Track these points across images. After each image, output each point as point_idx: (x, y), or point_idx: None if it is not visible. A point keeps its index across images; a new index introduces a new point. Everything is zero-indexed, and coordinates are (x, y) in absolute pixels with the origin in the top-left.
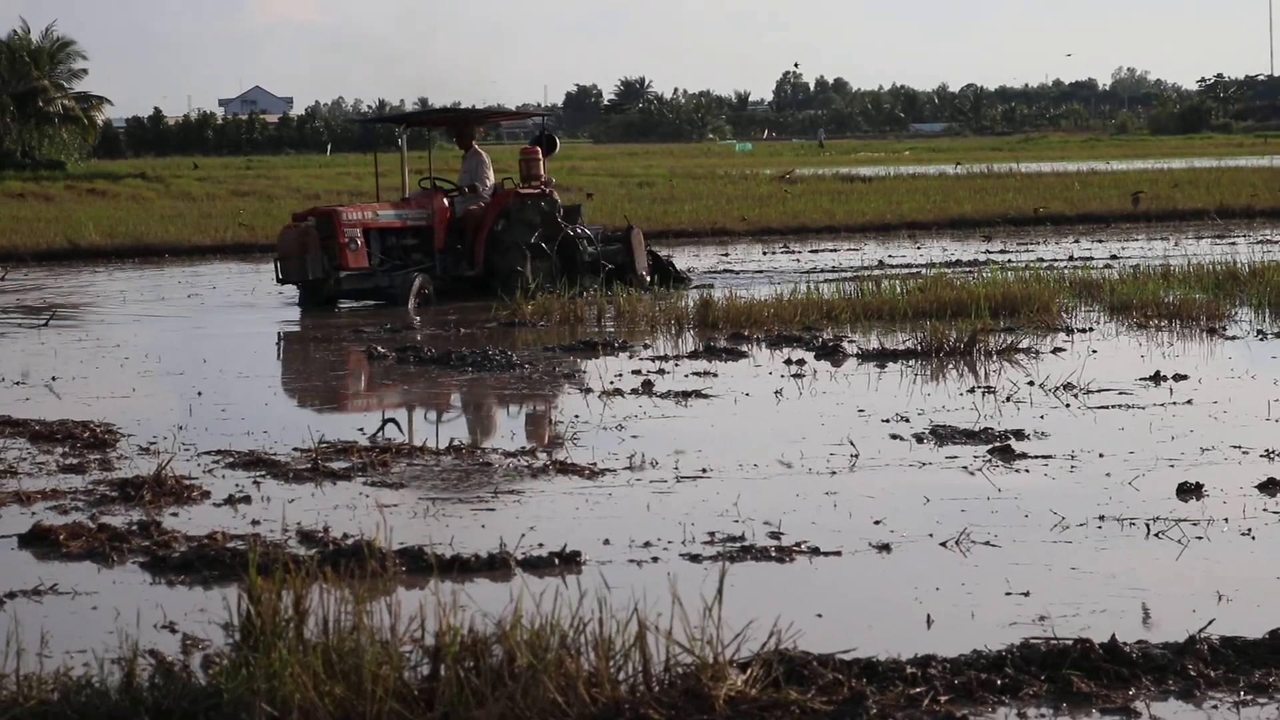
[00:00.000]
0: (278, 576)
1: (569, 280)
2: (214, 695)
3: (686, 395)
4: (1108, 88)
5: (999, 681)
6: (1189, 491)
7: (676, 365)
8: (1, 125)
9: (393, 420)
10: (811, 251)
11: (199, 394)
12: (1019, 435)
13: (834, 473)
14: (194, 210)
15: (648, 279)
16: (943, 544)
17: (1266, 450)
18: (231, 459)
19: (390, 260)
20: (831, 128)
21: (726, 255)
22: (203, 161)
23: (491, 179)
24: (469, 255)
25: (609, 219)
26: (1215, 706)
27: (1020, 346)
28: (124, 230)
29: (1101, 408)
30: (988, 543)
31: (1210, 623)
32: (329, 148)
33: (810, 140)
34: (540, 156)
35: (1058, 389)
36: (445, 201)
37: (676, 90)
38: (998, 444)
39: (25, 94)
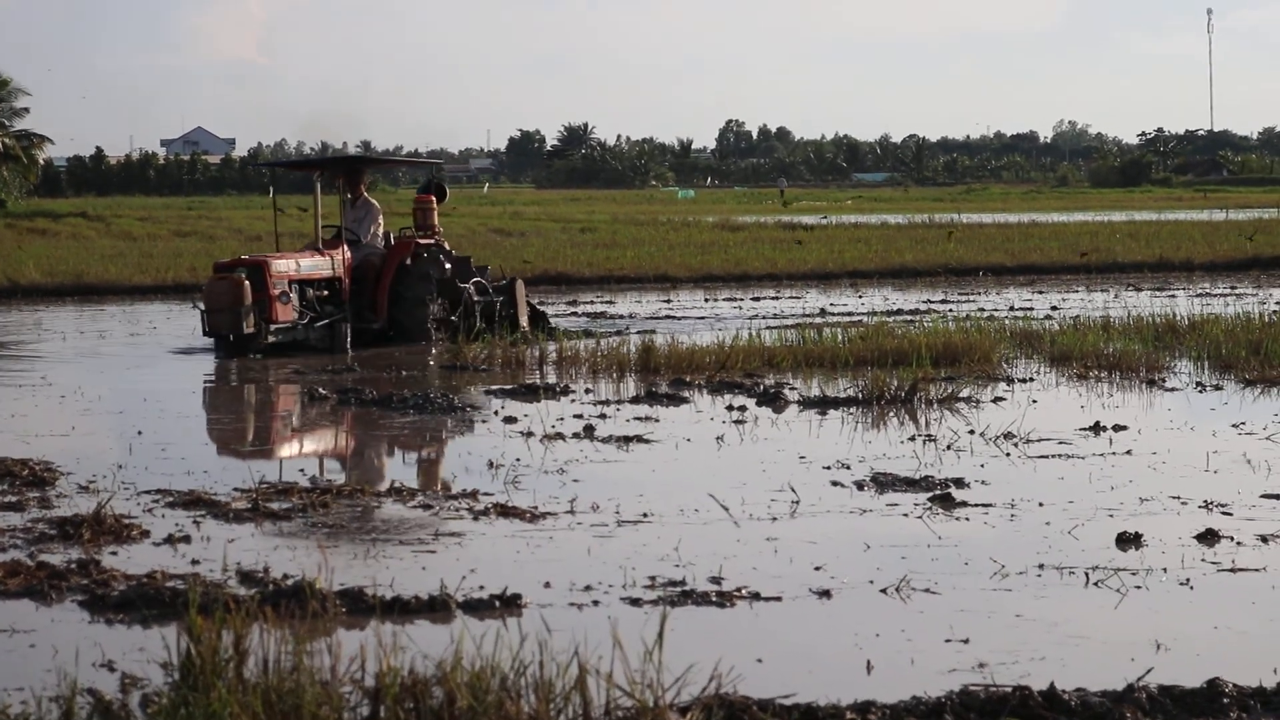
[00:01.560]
0: (218, 616)
1: (465, 329)
2: None
3: (628, 440)
4: (1049, 140)
5: None
6: (1128, 541)
7: (618, 410)
8: None
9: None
10: (754, 299)
11: (139, 433)
12: (959, 483)
13: (775, 519)
14: (135, 250)
15: (527, 328)
16: (883, 590)
17: (1205, 501)
18: (171, 498)
19: (307, 312)
20: (773, 176)
21: (669, 301)
22: (144, 202)
23: (381, 227)
24: (371, 306)
25: (551, 264)
26: None
27: (961, 395)
28: (64, 269)
29: (1041, 457)
30: (928, 590)
31: (1148, 671)
32: (271, 190)
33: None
34: (435, 205)
35: (998, 438)
36: (347, 251)
37: (620, 136)
38: (938, 492)
39: None
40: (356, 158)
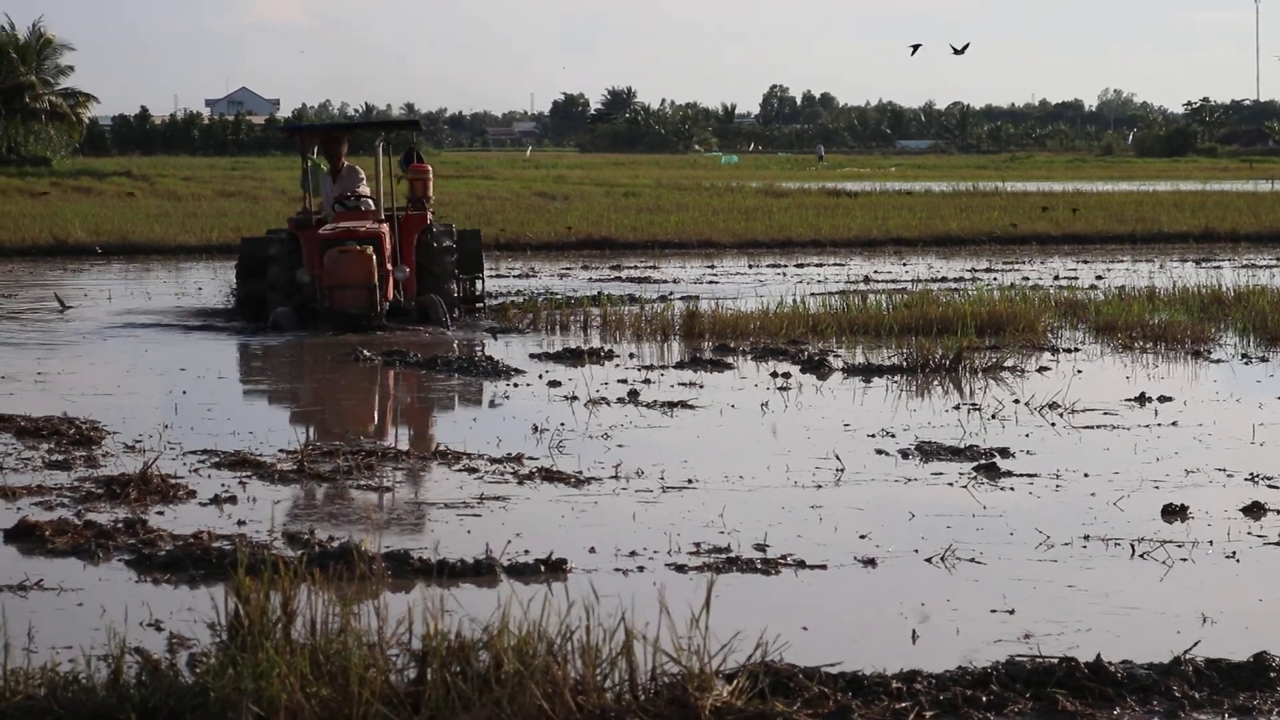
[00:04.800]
0: (266, 577)
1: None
2: (201, 694)
3: (672, 405)
4: (1094, 109)
5: (984, 698)
6: (1174, 513)
7: (662, 375)
8: None
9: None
10: (797, 265)
11: (184, 393)
12: (1004, 453)
13: (819, 486)
14: (179, 209)
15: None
16: (928, 560)
17: (1251, 474)
18: (217, 459)
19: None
20: (815, 143)
21: (712, 267)
22: (189, 161)
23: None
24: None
25: (595, 228)
26: None
27: (1006, 365)
28: (110, 228)
29: (1086, 428)
30: (973, 560)
31: (1195, 644)
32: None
33: (805, 154)
34: (431, 176)
35: (1043, 408)
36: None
37: (663, 101)
38: (983, 461)
39: (11, 90)
40: (352, 123)
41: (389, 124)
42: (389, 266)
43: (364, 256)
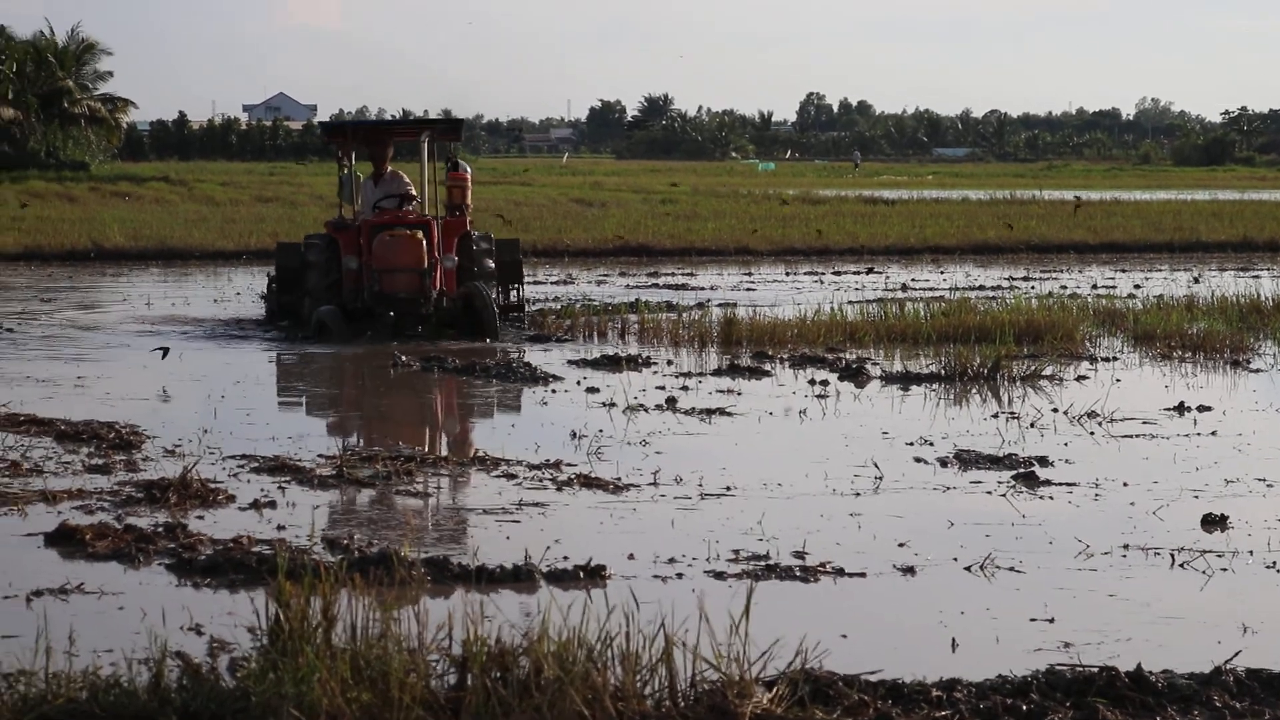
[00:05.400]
0: (306, 582)
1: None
2: (242, 698)
3: (710, 412)
4: (1131, 118)
5: (1024, 707)
6: (1214, 523)
7: (700, 382)
8: (26, 125)
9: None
10: (835, 273)
11: (222, 397)
12: (1043, 462)
13: (858, 494)
14: (217, 214)
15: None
16: (967, 568)
17: None
18: (256, 464)
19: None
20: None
21: (750, 275)
22: (226, 167)
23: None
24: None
25: (632, 235)
26: None
27: (1044, 373)
28: (148, 233)
29: (1125, 437)
30: (1012, 568)
31: (1236, 654)
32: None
33: (842, 162)
34: (469, 183)
35: (1082, 417)
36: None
37: (700, 108)
38: (1022, 470)
39: (50, 94)
40: (413, 122)
41: (432, 123)
42: (437, 254)
43: (414, 241)
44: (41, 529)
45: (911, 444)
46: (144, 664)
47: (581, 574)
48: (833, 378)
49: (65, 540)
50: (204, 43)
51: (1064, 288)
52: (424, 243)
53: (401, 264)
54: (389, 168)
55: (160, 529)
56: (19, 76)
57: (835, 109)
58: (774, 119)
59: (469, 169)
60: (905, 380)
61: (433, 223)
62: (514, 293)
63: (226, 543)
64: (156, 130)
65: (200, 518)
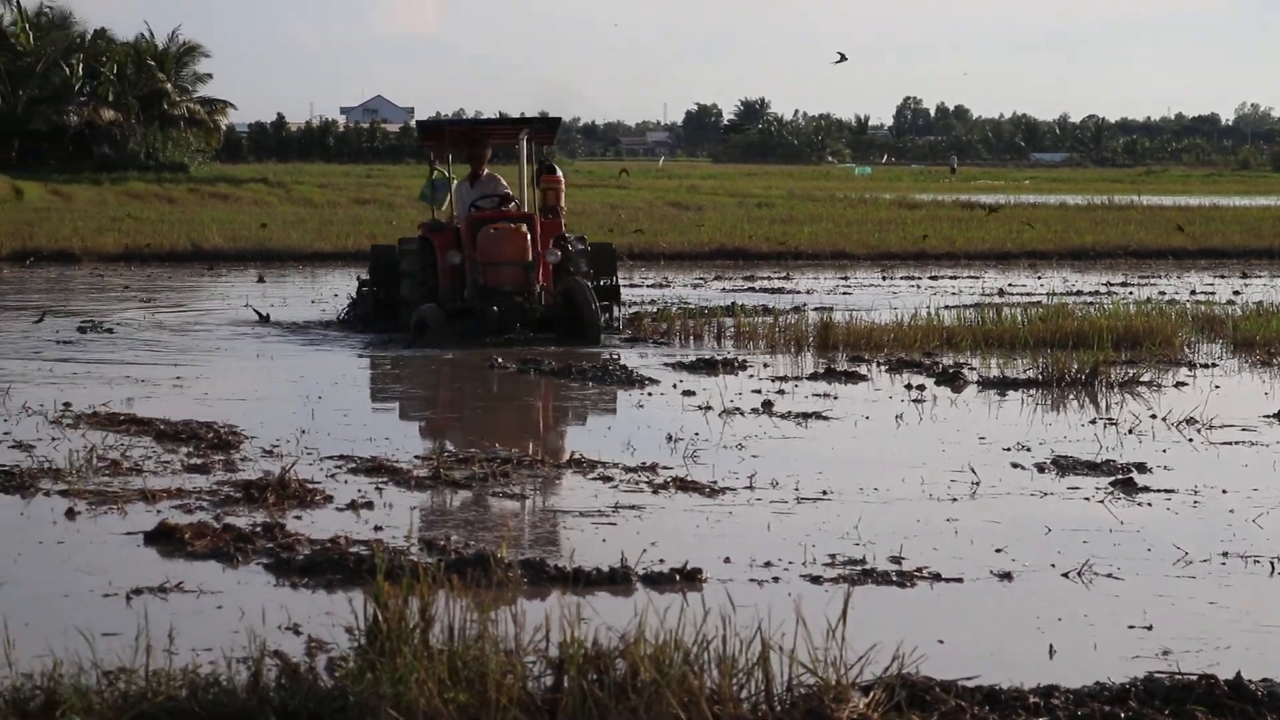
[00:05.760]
0: (404, 582)
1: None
2: (339, 698)
3: (806, 416)
4: (1230, 123)
5: (1122, 714)
6: None
7: (796, 386)
8: (126, 127)
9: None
10: (931, 278)
11: (320, 398)
12: (1141, 468)
13: (955, 499)
14: (315, 216)
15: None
16: (1065, 575)
17: None
18: (353, 464)
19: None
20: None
21: (846, 279)
22: (324, 169)
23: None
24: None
25: (728, 239)
26: None
27: (1142, 379)
28: (246, 234)
29: (1225, 444)
30: (1110, 575)
31: None
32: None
33: (938, 166)
34: (563, 186)
35: (1180, 423)
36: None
37: (796, 112)
38: (1120, 476)
39: (150, 96)
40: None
41: (529, 122)
42: (540, 249)
43: (519, 234)
44: (141, 528)
45: (1008, 449)
46: (243, 663)
47: (677, 577)
48: (929, 382)
49: (164, 539)
50: (302, 46)
51: (1162, 293)
52: (528, 236)
53: (506, 257)
54: (486, 169)
55: (258, 528)
56: (119, 79)
57: (932, 113)
58: (870, 123)
59: (561, 173)
60: (1002, 385)
61: (535, 218)
62: (611, 304)
63: (324, 543)
64: (255, 132)
65: (298, 518)
